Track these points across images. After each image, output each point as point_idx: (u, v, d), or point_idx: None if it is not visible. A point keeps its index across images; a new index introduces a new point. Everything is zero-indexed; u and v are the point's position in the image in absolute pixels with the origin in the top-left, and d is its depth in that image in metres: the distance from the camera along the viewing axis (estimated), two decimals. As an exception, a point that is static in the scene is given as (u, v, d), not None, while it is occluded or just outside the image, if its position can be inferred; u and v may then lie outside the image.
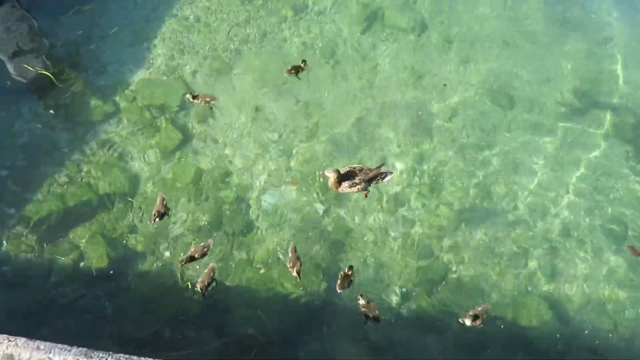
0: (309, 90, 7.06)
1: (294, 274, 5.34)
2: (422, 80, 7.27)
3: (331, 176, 5.59)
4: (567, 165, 6.78)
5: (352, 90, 7.13)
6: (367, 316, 5.21)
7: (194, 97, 6.61)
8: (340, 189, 5.72)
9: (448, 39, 7.62)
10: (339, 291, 5.40)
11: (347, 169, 5.70)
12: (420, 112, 7.00)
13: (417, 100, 7.09)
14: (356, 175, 5.63)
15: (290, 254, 5.47)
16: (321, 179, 6.24)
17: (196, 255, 5.33)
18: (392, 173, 5.86)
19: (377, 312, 5.20)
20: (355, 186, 5.65)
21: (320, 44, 7.47)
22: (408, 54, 7.49)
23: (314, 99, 7.00)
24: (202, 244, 5.45)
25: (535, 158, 6.79)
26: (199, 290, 5.20)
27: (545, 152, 6.84)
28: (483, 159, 6.73)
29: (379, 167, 5.70)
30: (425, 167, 6.60)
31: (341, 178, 5.62)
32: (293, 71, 6.86)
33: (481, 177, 6.59)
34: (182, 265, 5.42)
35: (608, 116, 7.15)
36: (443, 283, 5.85)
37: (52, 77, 6.61)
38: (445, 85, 7.19)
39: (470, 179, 6.56)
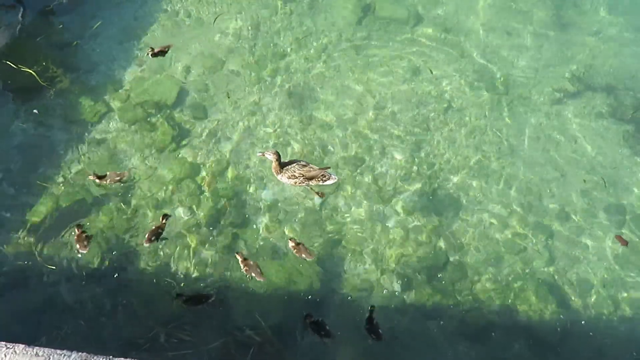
0: (303, 85, 7.02)
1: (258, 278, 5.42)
2: (417, 72, 7.24)
3: (271, 158, 5.69)
4: (563, 147, 6.83)
5: (346, 83, 7.09)
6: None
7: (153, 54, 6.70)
8: (279, 177, 5.81)
9: (445, 29, 7.59)
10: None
11: (291, 161, 5.81)
12: (415, 104, 6.99)
13: (412, 92, 7.07)
14: (296, 169, 5.72)
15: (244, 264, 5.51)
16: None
17: (107, 181, 5.75)
18: (336, 178, 5.84)
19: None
20: (294, 179, 5.74)
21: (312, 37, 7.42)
22: (403, 45, 7.45)
23: (309, 93, 6.96)
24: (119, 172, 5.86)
25: (531, 141, 6.83)
26: (145, 239, 5.41)
27: (541, 134, 6.89)
28: (478, 144, 6.77)
29: (323, 169, 5.75)
30: (422, 156, 6.62)
31: (282, 165, 5.72)
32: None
33: (476, 163, 6.63)
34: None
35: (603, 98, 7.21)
36: (442, 270, 5.88)
37: (35, 75, 6.50)
38: (432, 72, 7.15)
39: (466, 164, 6.60)
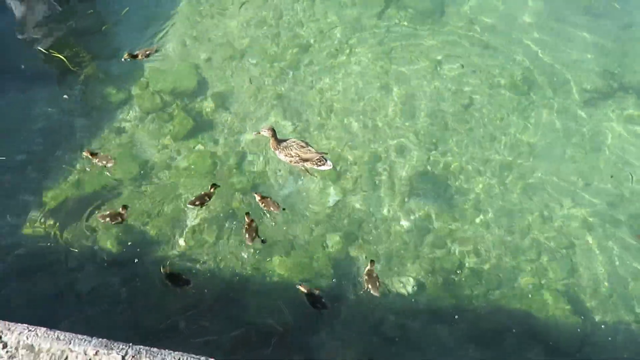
0: (324, 77, 6.96)
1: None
2: (440, 65, 7.11)
3: (267, 134, 5.77)
4: (589, 153, 6.62)
5: (367, 77, 7.00)
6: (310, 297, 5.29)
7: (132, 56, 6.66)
8: (277, 153, 5.91)
9: (471, 22, 7.42)
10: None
11: (291, 139, 5.86)
12: (436, 100, 6.88)
13: (434, 87, 6.96)
14: (294, 148, 5.75)
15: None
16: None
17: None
18: (331, 165, 5.88)
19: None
20: (289, 157, 5.80)
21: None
22: (425, 40, 7.32)
23: (329, 85, 6.90)
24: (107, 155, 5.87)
25: (555, 145, 6.64)
26: (190, 201, 5.72)
27: (566, 139, 6.69)
28: (499, 145, 6.61)
29: (320, 153, 5.76)
30: (440, 155, 6.51)
31: (279, 141, 5.83)
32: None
33: (496, 165, 6.48)
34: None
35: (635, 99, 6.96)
36: (457, 274, 5.78)
37: (65, 60, 6.58)
38: (462, 66, 7.01)
39: (485, 166, 6.46)
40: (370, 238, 5.92)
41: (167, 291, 5.30)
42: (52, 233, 5.60)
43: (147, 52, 6.63)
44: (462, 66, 7.04)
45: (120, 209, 5.61)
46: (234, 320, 5.24)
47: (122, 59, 6.14)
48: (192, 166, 6.20)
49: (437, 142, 6.60)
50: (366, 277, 5.42)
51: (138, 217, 5.79)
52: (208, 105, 6.67)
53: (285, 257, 5.68)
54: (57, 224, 5.66)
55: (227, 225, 5.83)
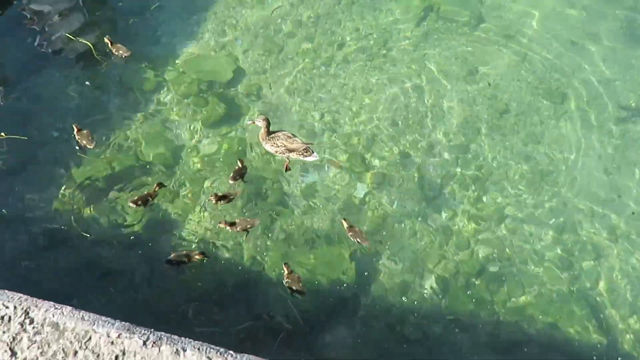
0: (358, 76, 6.96)
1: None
2: (473, 74, 7.09)
3: (261, 124, 5.78)
4: (623, 167, 6.51)
5: (401, 78, 6.99)
6: (291, 289, 5.19)
7: None
8: (264, 144, 5.93)
9: (506, 34, 7.42)
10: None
11: (279, 130, 5.89)
12: (470, 104, 6.84)
13: (467, 92, 6.93)
14: (281, 139, 5.75)
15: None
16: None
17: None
18: (317, 156, 5.91)
19: (300, 284, 5.15)
20: (275, 148, 5.81)
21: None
22: (461, 46, 7.31)
23: (362, 85, 6.90)
24: (249, 219, 5.55)
25: (589, 158, 6.55)
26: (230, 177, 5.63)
27: (599, 154, 6.60)
28: (531, 153, 6.54)
29: (306, 144, 5.79)
30: (471, 159, 6.45)
31: (269, 132, 5.84)
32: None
33: (527, 173, 6.40)
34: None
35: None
36: (481, 278, 5.67)
37: (92, 48, 6.70)
38: (489, 84, 7.01)
39: (516, 173, 6.38)
40: (394, 235, 5.85)
41: (181, 277, 5.28)
42: (79, 209, 5.62)
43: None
44: (489, 84, 7.00)
45: (155, 186, 5.63)
46: (243, 313, 5.19)
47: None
48: (223, 151, 6.21)
49: (469, 145, 6.55)
50: (350, 234, 5.51)
51: (162, 200, 5.78)
52: (241, 94, 6.70)
53: (307, 250, 5.63)
54: (86, 200, 5.68)
55: (249, 214, 5.80)
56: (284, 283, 5.25)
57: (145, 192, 5.65)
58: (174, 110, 6.51)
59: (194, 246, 5.49)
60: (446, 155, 6.46)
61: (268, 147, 5.92)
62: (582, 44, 7.45)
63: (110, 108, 6.46)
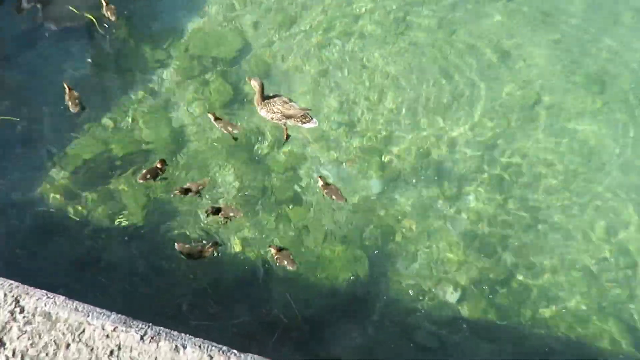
0: (376, 56, 6.42)
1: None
2: (509, 55, 6.49)
3: (255, 84, 5.45)
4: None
5: (422, 60, 6.43)
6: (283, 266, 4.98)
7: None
8: (259, 109, 5.58)
9: (543, 11, 6.76)
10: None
11: (274, 95, 5.57)
12: (498, 92, 6.28)
13: (496, 77, 6.38)
14: (277, 104, 5.43)
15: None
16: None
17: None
18: (316, 123, 5.55)
19: (290, 258, 4.89)
20: (271, 114, 5.47)
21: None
22: (492, 25, 6.69)
23: (380, 67, 6.37)
24: (234, 209, 5.20)
25: (627, 158, 6.00)
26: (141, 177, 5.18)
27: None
28: (565, 150, 6.03)
29: (303, 109, 5.46)
30: (498, 154, 5.95)
31: (264, 97, 5.51)
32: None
33: (560, 173, 5.89)
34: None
35: None
36: (506, 287, 5.28)
37: (95, 22, 6.35)
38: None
39: (547, 173, 5.88)
40: (411, 235, 5.44)
41: (180, 269, 5.03)
42: (74, 194, 5.35)
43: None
44: None
45: (158, 163, 5.26)
46: (241, 306, 4.95)
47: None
48: (225, 139, 5.79)
49: (496, 140, 6.03)
50: (326, 192, 5.24)
51: (163, 187, 5.46)
52: (249, 73, 6.26)
53: (320, 249, 5.29)
54: (81, 184, 5.41)
55: (254, 206, 5.45)
56: (276, 261, 4.99)
57: (155, 165, 5.28)
58: (176, 90, 6.14)
59: (195, 236, 5.22)
60: (469, 151, 5.95)
61: (263, 113, 5.54)
62: (626, 26, 6.79)
63: (110, 86, 6.13)
